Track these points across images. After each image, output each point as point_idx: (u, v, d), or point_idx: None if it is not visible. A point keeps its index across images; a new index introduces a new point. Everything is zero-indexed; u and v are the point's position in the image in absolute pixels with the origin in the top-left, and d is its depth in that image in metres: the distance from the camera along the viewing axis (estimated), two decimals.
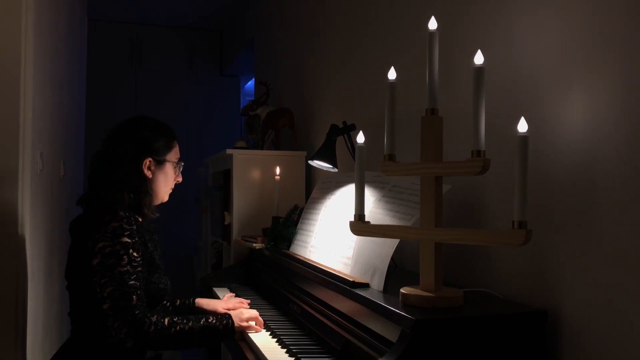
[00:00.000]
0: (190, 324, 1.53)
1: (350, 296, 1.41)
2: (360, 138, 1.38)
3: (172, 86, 5.48)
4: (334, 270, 1.63)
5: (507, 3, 1.46)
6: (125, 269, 1.50)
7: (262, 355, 1.45)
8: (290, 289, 1.89)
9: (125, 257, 1.51)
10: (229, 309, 1.82)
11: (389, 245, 1.45)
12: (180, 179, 1.80)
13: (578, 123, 1.23)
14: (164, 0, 4.82)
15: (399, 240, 1.41)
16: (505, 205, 1.41)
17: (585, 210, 1.20)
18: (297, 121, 2.96)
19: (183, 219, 4.97)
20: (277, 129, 2.92)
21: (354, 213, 1.38)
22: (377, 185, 1.69)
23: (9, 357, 1.82)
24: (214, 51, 5.69)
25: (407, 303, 1.25)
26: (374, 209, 1.62)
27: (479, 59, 1.17)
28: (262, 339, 1.57)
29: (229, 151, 2.75)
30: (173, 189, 1.80)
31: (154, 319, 1.48)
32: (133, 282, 1.50)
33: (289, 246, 2.15)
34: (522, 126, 1.11)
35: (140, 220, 1.68)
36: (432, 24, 1.25)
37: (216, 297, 2.14)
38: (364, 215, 1.38)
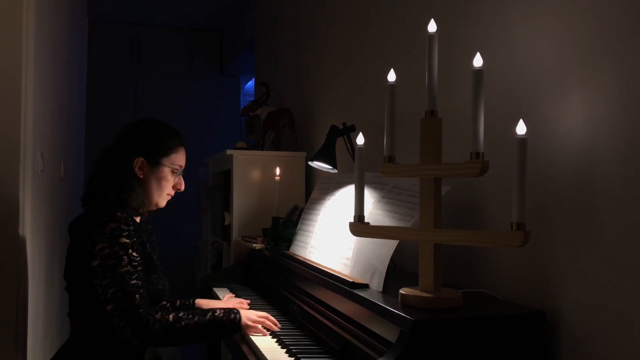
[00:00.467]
0: (196, 318, 1.53)
1: (350, 297, 1.41)
2: (360, 139, 1.39)
3: (172, 86, 5.48)
4: (334, 270, 1.64)
5: (507, 5, 1.47)
6: (126, 269, 1.50)
7: (262, 355, 1.46)
8: (290, 290, 1.89)
9: (125, 257, 1.51)
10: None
11: (389, 246, 1.45)
12: (182, 188, 1.75)
13: (577, 125, 1.23)
14: (164, 0, 4.82)
15: (398, 241, 1.42)
16: (504, 206, 1.42)
17: (583, 211, 1.21)
18: (297, 122, 2.97)
19: (183, 219, 4.98)
20: (277, 129, 2.93)
21: (353, 214, 1.38)
22: (376, 186, 1.70)
23: (10, 357, 1.83)
24: (214, 51, 5.69)
25: (406, 304, 1.25)
26: (374, 210, 1.62)
27: (478, 61, 1.18)
28: (262, 339, 1.58)
29: (229, 151, 2.76)
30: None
31: (158, 316, 1.49)
32: (135, 281, 1.50)
33: (288, 246, 2.16)
34: (521, 128, 1.12)
35: (138, 221, 1.69)
36: (432, 27, 1.26)
37: (216, 297, 2.15)
38: (363, 216, 1.38)
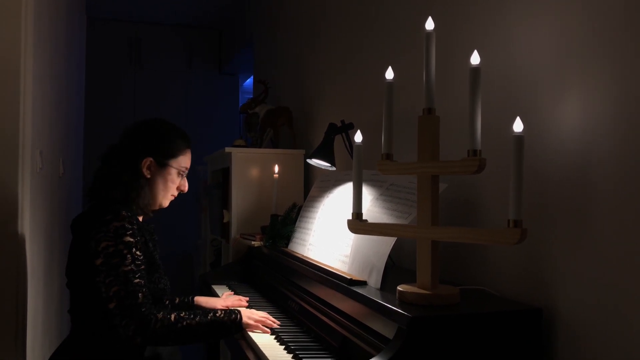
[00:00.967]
0: (197, 319, 1.54)
1: (348, 294, 1.42)
2: (358, 137, 1.40)
3: (171, 84, 5.48)
4: (332, 268, 1.64)
5: (506, 5, 1.47)
6: (129, 267, 1.51)
7: (261, 352, 1.46)
8: (289, 287, 1.90)
9: (128, 256, 1.52)
10: (227, 307, 1.83)
11: (386, 243, 1.46)
12: (185, 189, 1.77)
13: (574, 123, 1.24)
14: None
15: (396, 238, 1.43)
16: (501, 204, 1.42)
17: (580, 208, 1.22)
18: (295, 120, 2.97)
19: (183, 217, 4.98)
20: (275, 127, 2.93)
21: (351, 211, 1.39)
22: (374, 183, 1.70)
23: (9, 355, 1.83)
24: (213, 50, 5.69)
25: (404, 300, 1.26)
26: (372, 208, 1.63)
27: (475, 59, 1.18)
28: (261, 337, 1.59)
29: (227, 149, 2.76)
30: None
31: (160, 315, 1.50)
32: (138, 280, 1.51)
33: (287, 244, 2.16)
34: (518, 126, 1.12)
35: (141, 220, 1.69)
36: (429, 24, 1.26)
37: (215, 294, 2.15)
38: (361, 214, 1.39)
